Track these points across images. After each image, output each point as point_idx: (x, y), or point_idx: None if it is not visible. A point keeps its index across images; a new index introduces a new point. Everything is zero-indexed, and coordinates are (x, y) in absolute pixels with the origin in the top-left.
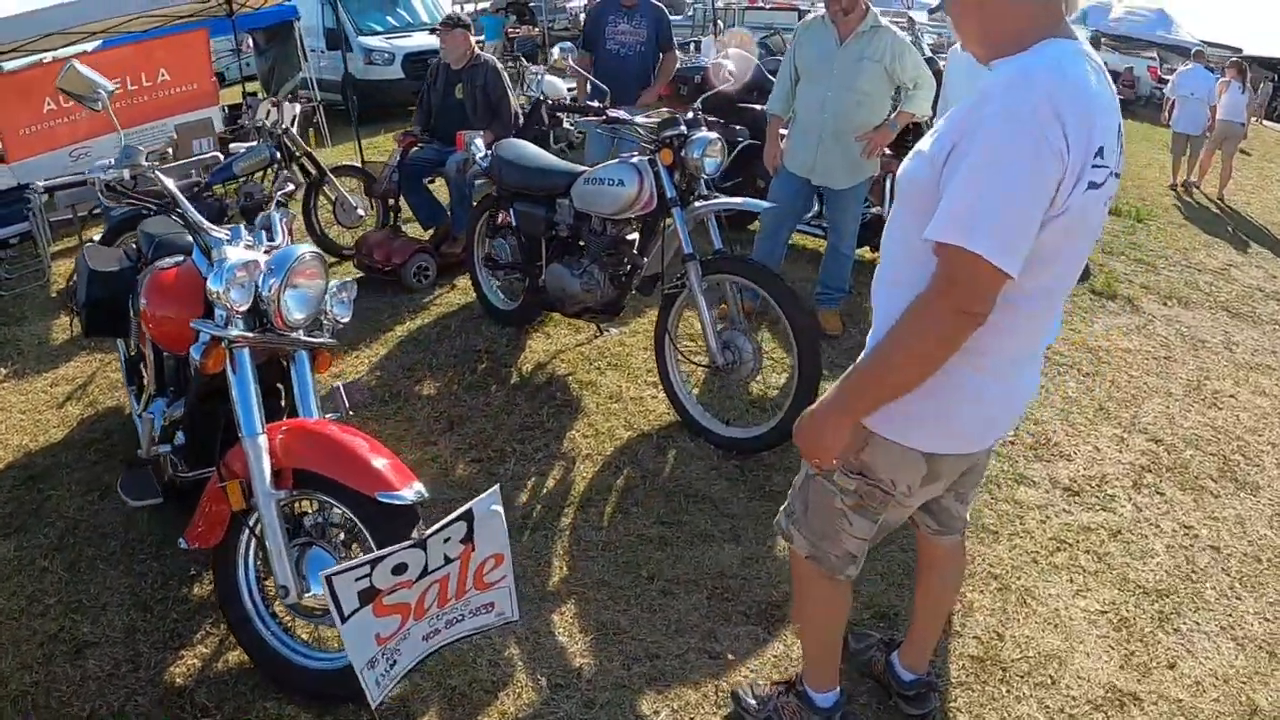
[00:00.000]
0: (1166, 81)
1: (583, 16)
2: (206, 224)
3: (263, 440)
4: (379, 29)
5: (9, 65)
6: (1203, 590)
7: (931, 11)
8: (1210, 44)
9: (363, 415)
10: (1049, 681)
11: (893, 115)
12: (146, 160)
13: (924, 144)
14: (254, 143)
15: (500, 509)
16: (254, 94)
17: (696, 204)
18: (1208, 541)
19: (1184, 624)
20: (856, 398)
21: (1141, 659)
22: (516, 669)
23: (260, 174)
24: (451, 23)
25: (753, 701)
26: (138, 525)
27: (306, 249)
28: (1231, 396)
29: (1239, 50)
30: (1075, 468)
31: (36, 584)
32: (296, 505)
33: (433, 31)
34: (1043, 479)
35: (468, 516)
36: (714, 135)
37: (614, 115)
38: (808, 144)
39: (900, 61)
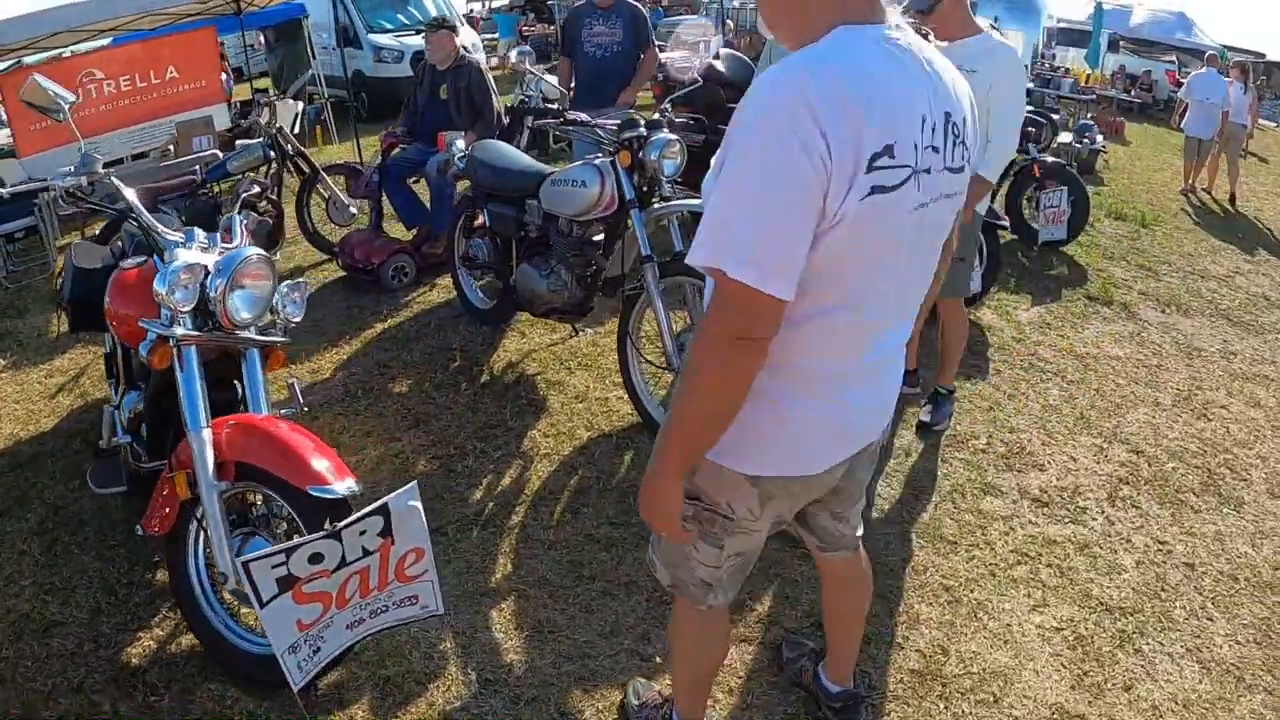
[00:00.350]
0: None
1: None
2: (160, 227)
3: (207, 434)
4: (390, 27)
5: (29, 59)
6: (1171, 609)
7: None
8: (1231, 48)
9: (333, 411)
10: (991, 699)
11: None
12: (103, 168)
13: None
14: (253, 140)
15: (418, 505)
16: (265, 90)
17: (656, 205)
18: (1182, 558)
19: (1147, 644)
20: (669, 452)
21: (1095, 679)
22: (449, 662)
23: (265, 171)
24: (436, 24)
25: (635, 702)
26: (111, 512)
27: (254, 251)
28: (1223, 407)
29: (1262, 55)
30: (1047, 478)
31: (15, 566)
32: (247, 496)
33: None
34: (1011, 489)
35: (383, 511)
36: (673, 137)
37: (572, 117)
38: None
39: None
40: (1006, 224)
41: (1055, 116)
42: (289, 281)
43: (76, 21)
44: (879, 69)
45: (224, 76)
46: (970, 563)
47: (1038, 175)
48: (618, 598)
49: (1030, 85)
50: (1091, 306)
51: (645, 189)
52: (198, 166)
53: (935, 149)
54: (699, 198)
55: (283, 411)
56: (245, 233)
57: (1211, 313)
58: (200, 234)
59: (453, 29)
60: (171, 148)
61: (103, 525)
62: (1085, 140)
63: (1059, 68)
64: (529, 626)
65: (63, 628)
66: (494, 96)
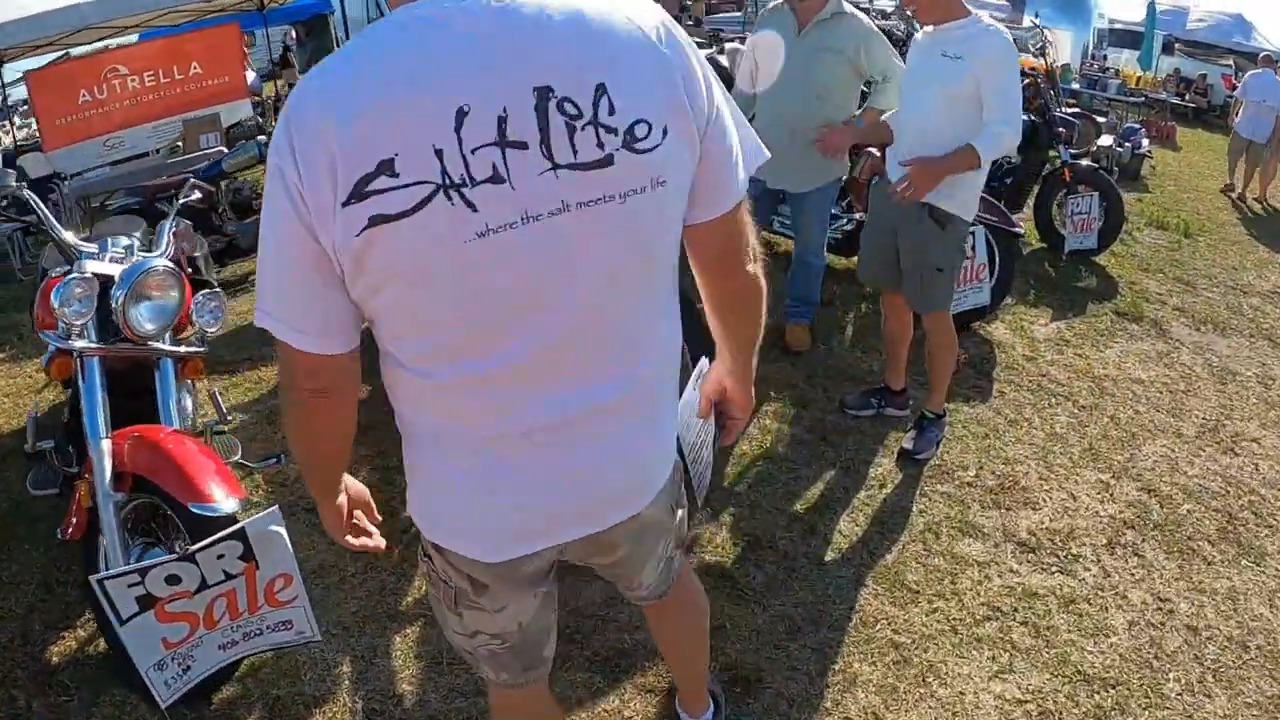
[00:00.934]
0: None
1: None
2: (69, 238)
3: (106, 444)
4: None
5: (76, 50)
6: (1163, 682)
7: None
8: None
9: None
10: None
11: (858, 111)
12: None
13: None
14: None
15: (281, 530)
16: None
17: None
18: (1184, 619)
19: None
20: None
21: None
22: (341, 688)
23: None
24: None
25: None
26: (61, 511)
27: (159, 262)
28: (1254, 440)
29: None
30: (1039, 518)
31: None
32: (157, 507)
33: None
34: (994, 530)
35: (240, 535)
36: None
37: None
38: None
39: (868, 53)
40: (1021, 231)
41: (1102, 120)
42: (206, 290)
43: (95, 18)
44: (382, 62)
45: (251, 75)
46: (930, 616)
47: (1068, 180)
48: None
49: (1076, 86)
50: (1119, 323)
51: None
52: (204, 163)
53: (519, 145)
54: None
55: (211, 421)
56: (172, 241)
57: (1252, 332)
58: (121, 242)
59: None
60: (180, 144)
61: (53, 524)
62: (1128, 144)
63: (1108, 69)
64: (428, 656)
65: (0, 622)
66: None
